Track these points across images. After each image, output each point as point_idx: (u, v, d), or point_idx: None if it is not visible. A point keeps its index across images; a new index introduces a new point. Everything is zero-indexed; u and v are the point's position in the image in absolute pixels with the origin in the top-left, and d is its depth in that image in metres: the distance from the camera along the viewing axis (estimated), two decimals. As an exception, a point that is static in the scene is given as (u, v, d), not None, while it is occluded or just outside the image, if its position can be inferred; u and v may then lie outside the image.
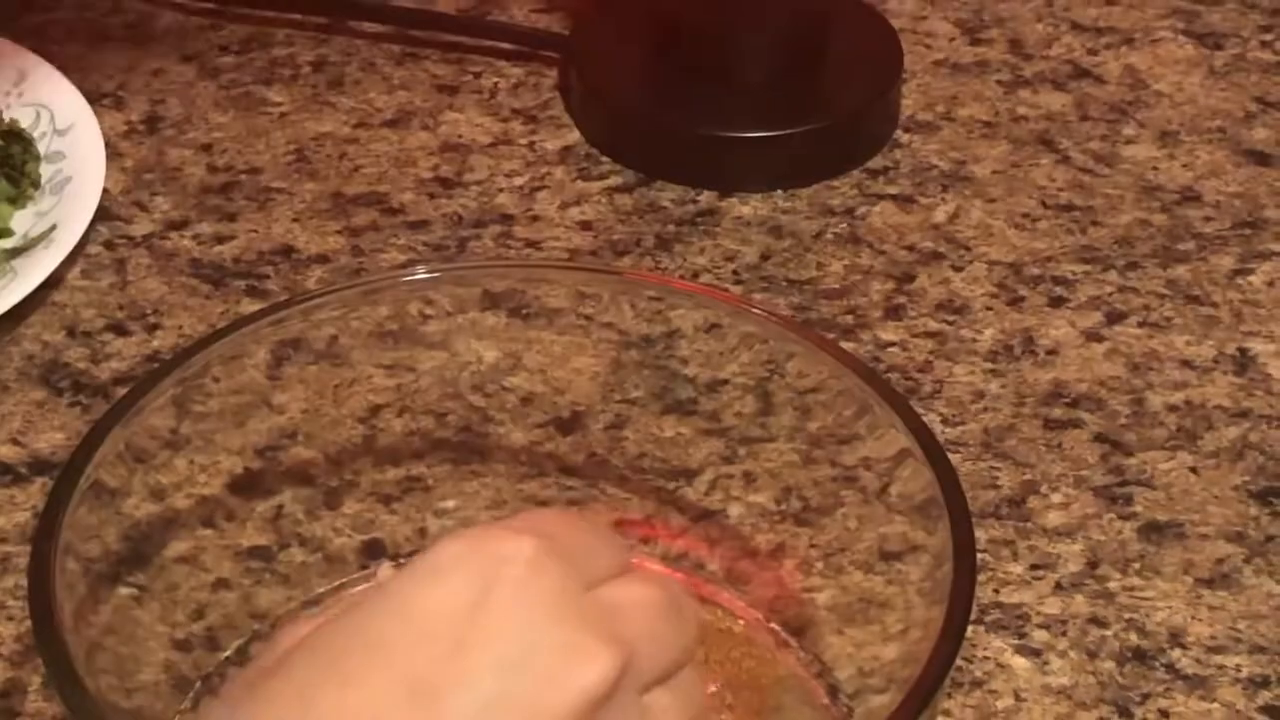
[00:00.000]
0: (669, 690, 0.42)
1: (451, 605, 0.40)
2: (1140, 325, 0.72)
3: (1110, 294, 0.73)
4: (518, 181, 0.78)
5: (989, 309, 0.72)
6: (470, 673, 0.39)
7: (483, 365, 0.62)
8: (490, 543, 0.41)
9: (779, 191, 0.78)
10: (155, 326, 0.71)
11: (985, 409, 0.68)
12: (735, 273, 0.74)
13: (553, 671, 0.39)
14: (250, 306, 0.72)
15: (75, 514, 0.52)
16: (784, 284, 0.73)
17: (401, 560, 0.61)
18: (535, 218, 0.76)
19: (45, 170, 0.75)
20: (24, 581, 0.61)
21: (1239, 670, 0.60)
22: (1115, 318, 0.72)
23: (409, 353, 0.62)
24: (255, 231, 0.76)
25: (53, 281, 0.71)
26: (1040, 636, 0.60)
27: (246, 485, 0.60)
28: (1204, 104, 0.82)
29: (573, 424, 0.62)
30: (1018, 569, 0.63)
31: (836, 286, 0.73)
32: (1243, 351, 0.71)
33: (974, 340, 0.71)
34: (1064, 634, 0.61)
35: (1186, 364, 0.70)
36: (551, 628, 0.40)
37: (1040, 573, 0.63)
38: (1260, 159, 0.79)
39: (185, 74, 0.84)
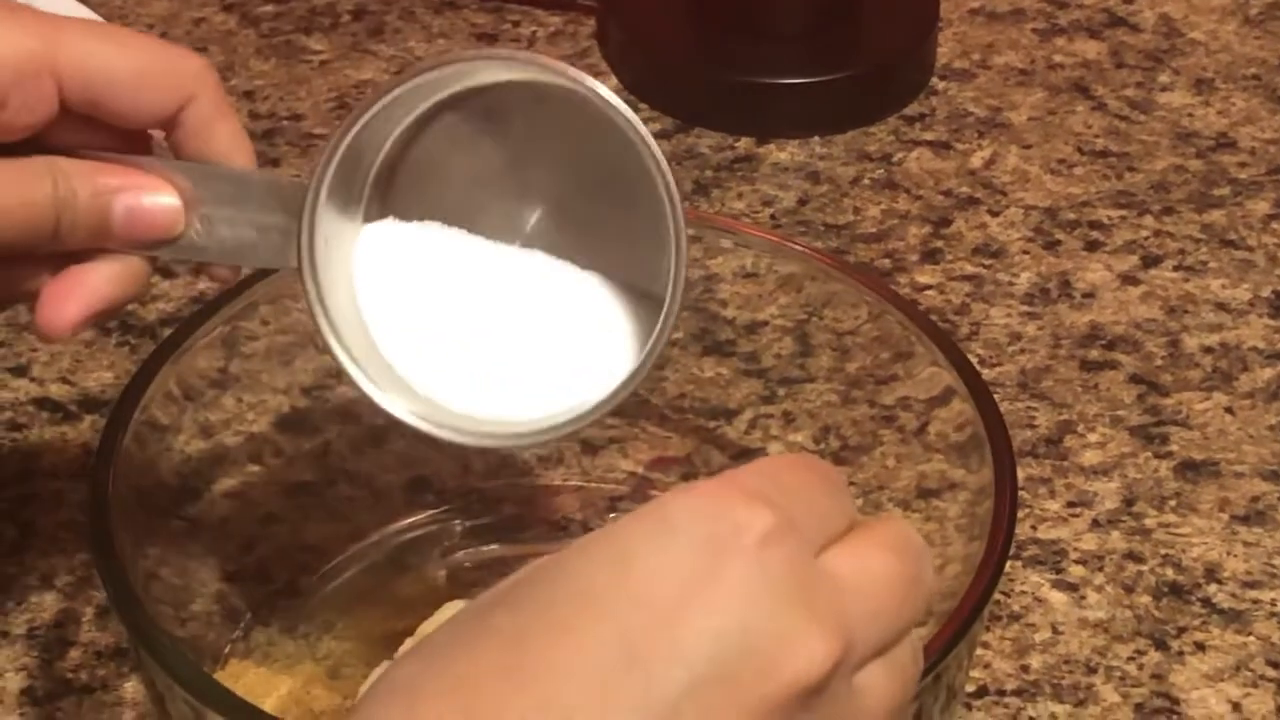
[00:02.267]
0: (885, 665, 0.40)
1: (677, 568, 0.37)
2: (1176, 269, 0.72)
3: (1146, 238, 0.74)
4: (557, 128, 0.79)
5: (1025, 253, 0.73)
6: (686, 645, 0.36)
7: (525, 306, 0.63)
8: (727, 506, 0.38)
9: (816, 138, 0.78)
10: (200, 269, 0.72)
11: (1022, 350, 0.69)
12: (773, 217, 0.75)
13: (769, 657, 0.37)
14: (294, 250, 0.72)
15: (129, 448, 0.53)
16: (821, 228, 0.74)
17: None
18: (574, 163, 0.77)
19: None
20: (75, 516, 0.62)
21: (1274, 605, 0.60)
22: (1151, 261, 0.73)
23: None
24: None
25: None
26: (1077, 571, 0.61)
27: (294, 423, 0.61)
28: (1239, 51, 0.83)
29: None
30: (1055, 506, 0.63)
31: (874, 231, 0.74)
32: (1277, 294, 0.71)
33: (1010, 283, 0.72)
34: (1101, 569, 0.61)
35: (1221, 306, 0.71)
36: (776, 609, 0.37)
37: (1077, 509, 0.63)
38: (1295, 105, 0.80)
39: (227, 23, 0.84)
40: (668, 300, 0.47)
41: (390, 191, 0.50)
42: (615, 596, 0.37)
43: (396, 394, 0.49)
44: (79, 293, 0.48)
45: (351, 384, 0.49)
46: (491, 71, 0.47)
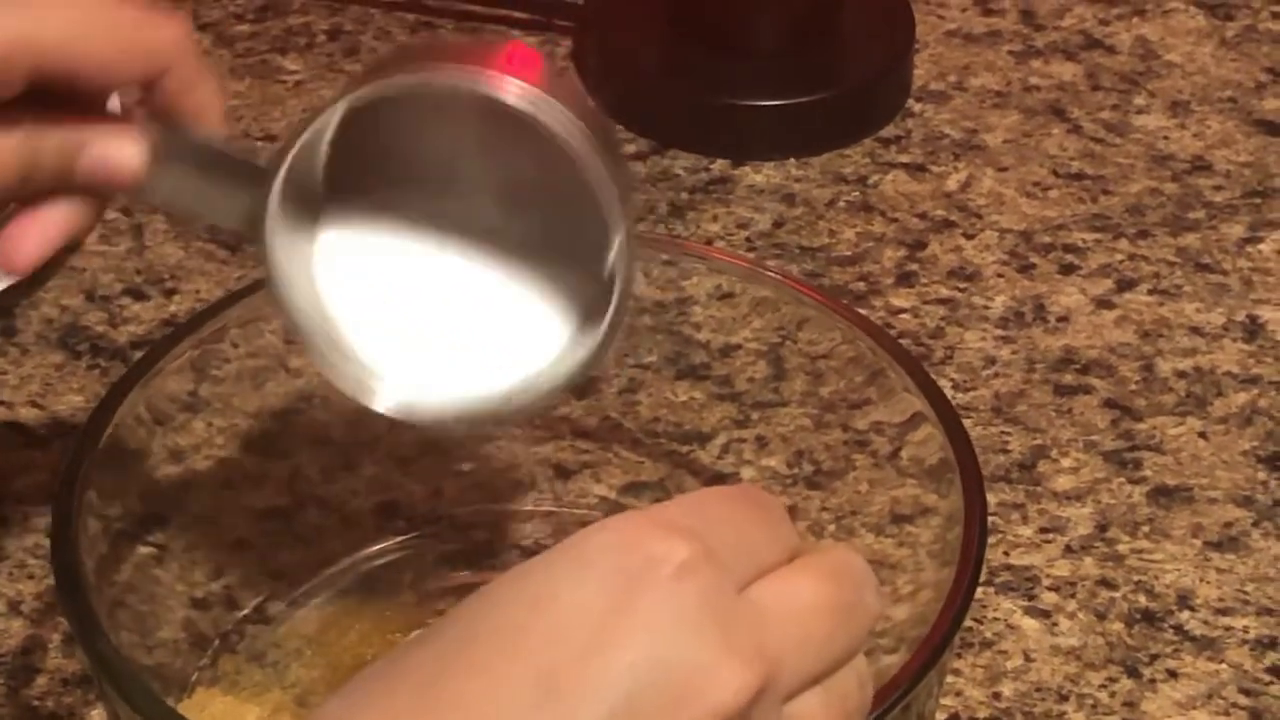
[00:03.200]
0: (822, 693, 0.39)
1: (593, 602, 0.37)
2: (1150, 292, 0.72)
3: (1121, 262, 0.73)
4: (532, 149, 0.78)
5: (1000, 276, 0.73)
6: (602, 677, 0.36)
7: (497, 330, 0.63)
8: (642, 539, 0.37)
9: (792, 160, 0.78)
10: (172, 291, 0.72)
11: (996, 375, 0.69)
12: (748, 239, 0.74)
13: (684, 688, 0.37)
14: (266, 272, 0.72)
15: (95, 473, 0.52)
16: (796, 251, 0.74)
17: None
18: (549, 185, 0.77)
19: (63, 137, 0.76)
20: (43, 541, 0.62)
21: (1246, 632, 0.60)
22: (1126, 285, 0.73)
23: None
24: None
25: (71, 246, 0.72)
26: (1050, 598, 0.61)
27: (264, 447, 0.61)
28: (1215, 74, 0.83)
29: (587, 388, 0.63)
30: (1027, 532, 0.63)
31: (849, 254, 0.74)
32: (1252, 319, 0.71)
33: (985, 307, 0.71)
34: (1073, 595, 0.61)
35: (1196, 331, 0.71)
36: (691, 640, 0.37)
37: (1050, 535, 0.63)
38: (1271, 129, 0.80)
39: (201, 42, 0.84)
40: (617, 289, 0.48)
41: (343, 175, 0.50)
42: (531, 633, 0.37)
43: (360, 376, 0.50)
44: (36, 231, 0.50)
45: (317, 361, 0.50)
46: (436, 84, 0.47)
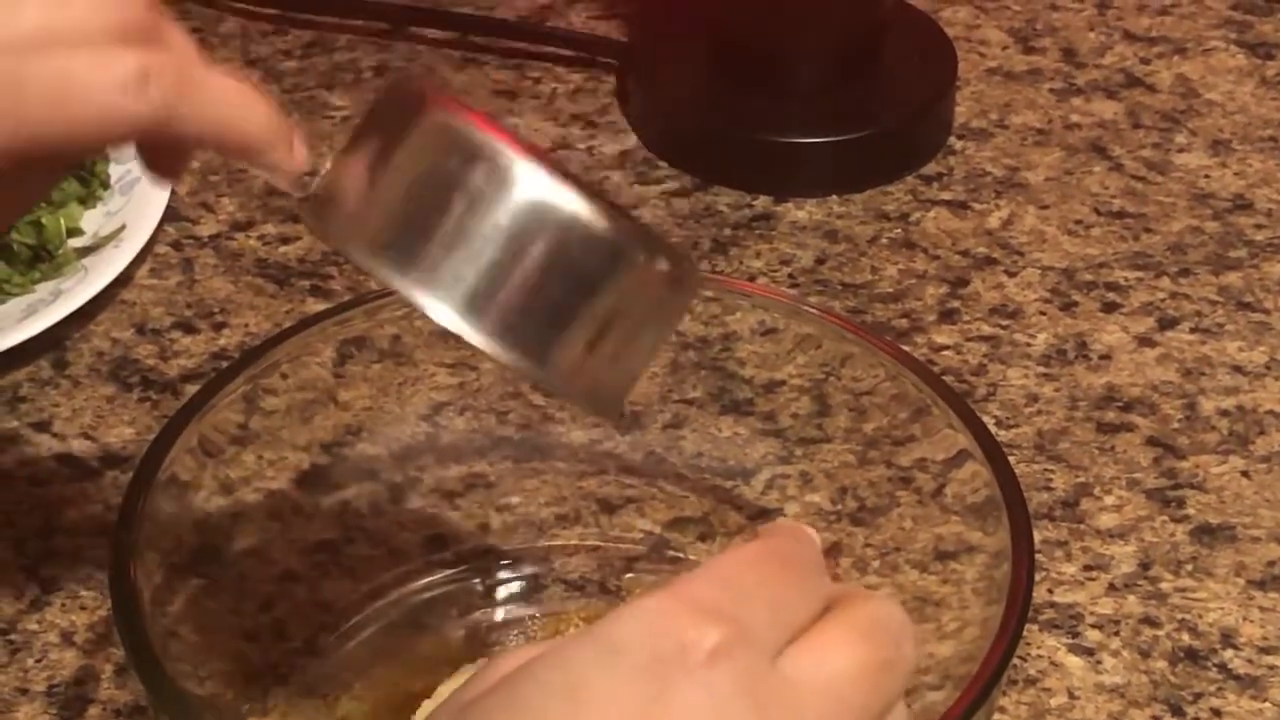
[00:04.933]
0: None
1: (628, 697, 0.36)
2: (1192, 331, 0.72)
3: (1163, 300, 0.74)
4: (576, 185, 0.79)
5: (1042, 314, 0.73)
6: None
7: (543, 365, 0.63)
8: (673, 626, 0.37)
9: (834, 196, 0.79)
10: (222, 325, 0.73)
11: (1039, 412, 0.69)
12: (791, 276, 0.75)
13: None
14: (314, 306, 0.73)
15: (152, 506, 0.53)
16: (839, 287, 0.74)
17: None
18: (593, 221, 0.77)
19: (114, 171, 0.77)
20: (96, 572, 0.62)
21: (1290, 671, 0.60)
22: (1168, 323, 0.73)
23: (471, 352, 0.62)
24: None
25: (122, 280, 0.73)
26: (1093, 636, 0.61)
27: (313, 480, 0.61)
28: (1255, 113, 0.83)
29: (631, 423, 0.63)
30: (1071, 569, 0.63)
31: (891, 290, 0.74)
32: (1294, 357, 0.71)
33: (1027, 344, 0.72)
34: (1117, 634, 0.61)
35: (1238, 369, 0.71)
36: None
37: (1093, 573, 0.63)
38: (1312, 167, 0.80)
39: (249, 78, 0.85)
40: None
41: None
42: None
43: None
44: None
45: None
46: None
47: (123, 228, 0.74)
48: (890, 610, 0.40)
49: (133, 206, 0.75)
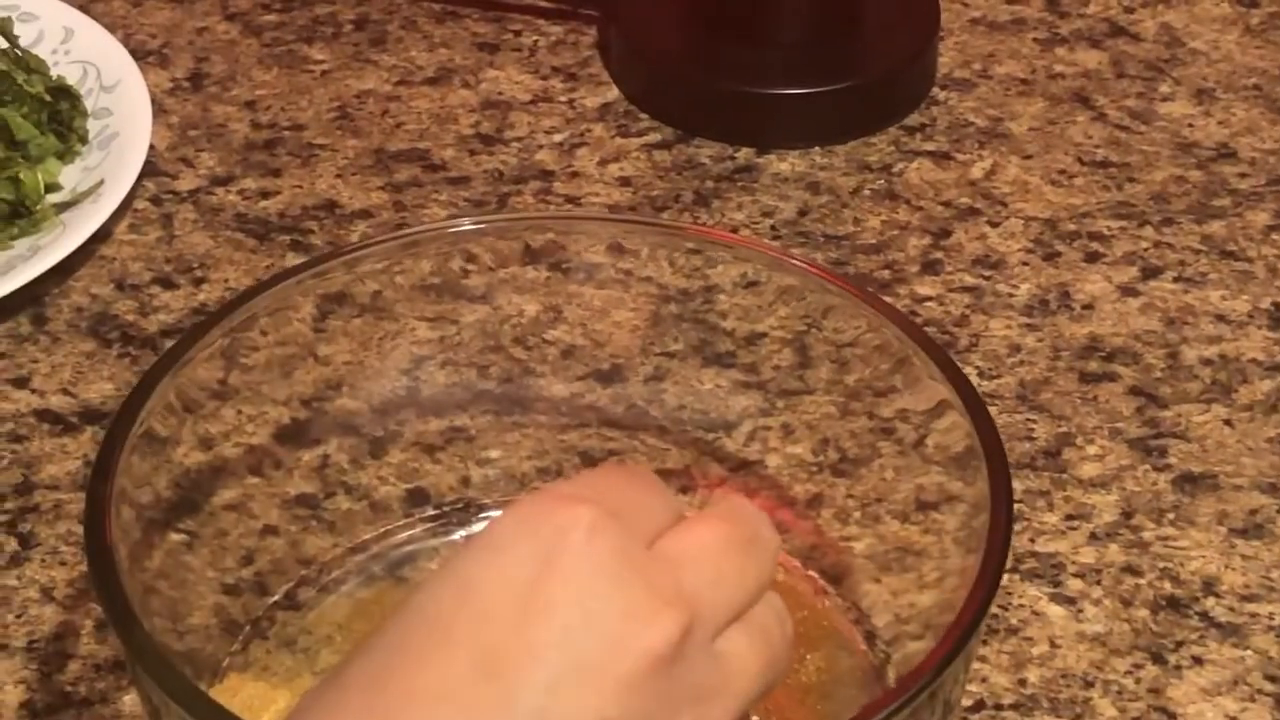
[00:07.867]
0: (744, 628, 0.42)
1: (512, 579, 0.39)
2: (1175, 280, 0.72)
3: (1146, 249, 0.74)
4: (557, 138, 0.79)
5: (1025, 264, 0.73)
6: (536, 646, 0.38)
7: (524, 319, 0.63)
8: (547, 513, 0.40)
9: (816, 148, 0.78)
10: (201, 280, 0.72)
11: (1021, 362, 0.69)
12: (773, 228, 0.75)
13: (617, 636, 0.39)
14: (294, 261, 0.73)
15: (128, 461, 0.53)
16: (821, 239, 0.74)
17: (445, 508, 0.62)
18: (575, 174, 0.77)
19: (93, 126, 0.76)
20: (75, 528, 0.62)
21: (1272, 618, 0.60)
22: (1151, 273, 0.73)
23: (451, 306, 0.62)
24: (299, 187, 0.77)
25: (101, 235, 0.72)
26: (1075, 585, 0.61)
27: (293, 435, 0.61)
28: (1240, 61, 0.83)
29: (613, 376, 0.63)
30: (1053, 519, 0.63)
31: (873, 242, 0.74)
32: (1277, 306, 0.71)
33: (1010, 295, 0.72)
34: (1098, 582, 0.61)
35: (1221, 318, 0.71)
36: (613, 592, 0.39)
37: (1075, 523, 0.63)
38: (1296, 116, 0.80)
39: (228, 32, 0.85)
40: None
41: None
42: (460, 619, 0.39)
43: None
44: None
45: None
46: None
47: (101, 183, 0.73)
48: (741, 501, 0.44)
49: (111, 161, 0.74)
